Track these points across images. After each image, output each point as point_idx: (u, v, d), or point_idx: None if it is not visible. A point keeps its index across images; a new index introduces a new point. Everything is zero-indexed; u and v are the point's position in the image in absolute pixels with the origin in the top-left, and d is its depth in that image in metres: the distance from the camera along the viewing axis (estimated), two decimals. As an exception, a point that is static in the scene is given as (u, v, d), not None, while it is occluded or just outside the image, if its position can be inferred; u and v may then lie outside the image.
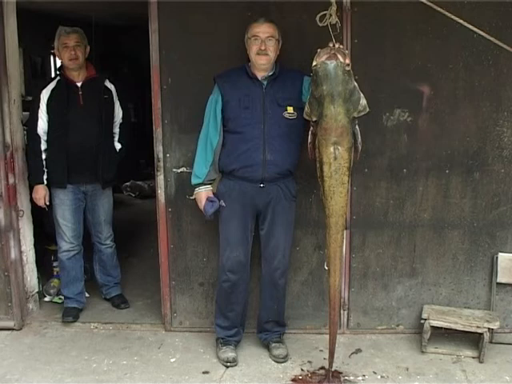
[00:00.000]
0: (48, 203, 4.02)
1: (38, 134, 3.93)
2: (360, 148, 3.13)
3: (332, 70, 2.92)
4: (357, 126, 3.08)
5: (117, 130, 4.17)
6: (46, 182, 3.98)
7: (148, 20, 3.66)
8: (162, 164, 3.78)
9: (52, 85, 3.97)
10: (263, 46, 3.28)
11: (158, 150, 3.77)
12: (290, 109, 3.34)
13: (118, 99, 4.13)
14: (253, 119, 3.33)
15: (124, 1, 4.91)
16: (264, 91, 3.35)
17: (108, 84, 4.10)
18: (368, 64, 3.48)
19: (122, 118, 4.18)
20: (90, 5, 5.79)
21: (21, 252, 4.07)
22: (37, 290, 4.28)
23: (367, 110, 3.06)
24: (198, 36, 3.62)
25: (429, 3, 2.93)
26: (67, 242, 4.08)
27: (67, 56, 3.92)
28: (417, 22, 3.51)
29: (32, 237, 4.17)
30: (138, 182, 8.08)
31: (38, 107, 3.93)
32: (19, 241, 4.05)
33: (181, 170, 3.77)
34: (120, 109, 4.16)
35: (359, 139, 3.10)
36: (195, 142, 3.51)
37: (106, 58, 8.12)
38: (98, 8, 6.23)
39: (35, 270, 4.24)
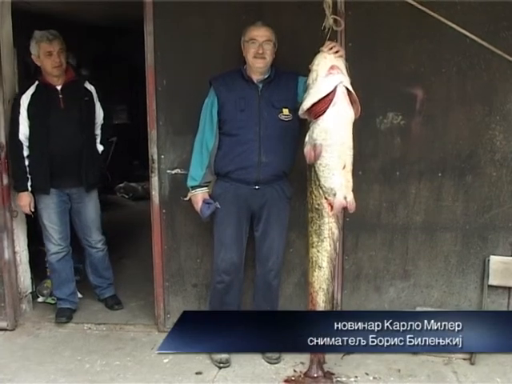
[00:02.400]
0: (33, 210, 3.98)
1: (19, 141, 3.87)
2: (306, 150, 3.07)
3: None
4: (311, 130, 3.05)
5: (98, 131, 4.12)
6: (30, 188, 3.93)
7: (143, 22, 3.67)
8: (156, 165, 3.79)
9: (31, 90, 3.90)
10: (261, 49, 3.30)
11: (153, 151, 3.78)
12: (286, 111, 3.35)
13: (99, 100, 4.08)
14: (248, 122, 3.34)
15: (119, 1, 4.90)
16: (259, 94, 3.37)
17: (88, 85, 4.05)
18: (362, 67, 3.49)
19: (104, 118, 4.12)
20: (85, 6, 5.78)
21: (14, 253, 4.07)
22: (30, 290, 4.29)
23: (299, 112, 3.09)
24: (194, 37, 3.64)
25: (422, 7, 2.96)
26: (55, 244, 4.06)
27: (51, 64, 3.86)
28: (410, 26, 3.53)
29: (26, 237, 4.18)
30: (132, 184, 8.07)
31: (19, 113, 3.86)
32: (13, 241, 4.05)
33: (175, 171, 3.78)
34: (101, 110, 4.10)
35: (306, 141, 3.06)
36: (190, 144, 3.52)
37: (99, 59, 8.12)
38: (92, 9, 6.22)
39: (28, 270, 4.24)
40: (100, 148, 4.13)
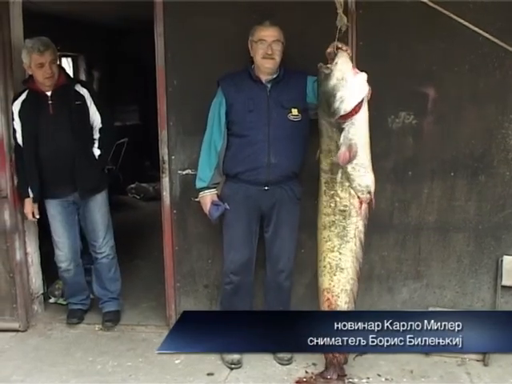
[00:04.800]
0: (38, 216, 3.93)
1: (20, 145, 3.83)
2: (342, 152, 2.99)
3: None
4: (346, 131, 2.98)
5: (97, 135, 3.94)
6: (32, 195, 3.86)
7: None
8: (167, 166, 3.79)
9: (22, 97, 3.80)
10: (269, 50, 3.27)
11: (163, 152, 3.78)
12: (295, 111, 3.34)
13: (94, 103, 3.89)
14: (257, 122, 3.33)
15: (129, 1, 4.91)
16: (268, 94, 3.35)
17: (79, 89, 3.86)
18: (373, 66, 3.46)
19: (102, 122, 3.91)
20: (92, 7, 5.79)
21: (26, 254, 4.09)
22: (42, 291, 4.30)
23: (339, 113, 2.95)
24: (204, 38, 3.63)
25: (434, 5, 2.93)
26: (64, 260, 4.01)
27: (43, 75, 3.71)
28: (422, 25, 3.50)
29: (37, 239, 4.20)
30: (143, 184, 8.09)
31: (13, 120, 3.82)
32: (24, 242, 4.07)
33: (186, 172, 3.78)
34: (97, 113, 3.90)
35: (342, 142, 2.99)
36: (200, 144, 3.51)
37: (109, 60, 8.16)
38: (102, 10, 6.24)
39: (40, 271, 4.25)
40: (97, 152, 3.92)
